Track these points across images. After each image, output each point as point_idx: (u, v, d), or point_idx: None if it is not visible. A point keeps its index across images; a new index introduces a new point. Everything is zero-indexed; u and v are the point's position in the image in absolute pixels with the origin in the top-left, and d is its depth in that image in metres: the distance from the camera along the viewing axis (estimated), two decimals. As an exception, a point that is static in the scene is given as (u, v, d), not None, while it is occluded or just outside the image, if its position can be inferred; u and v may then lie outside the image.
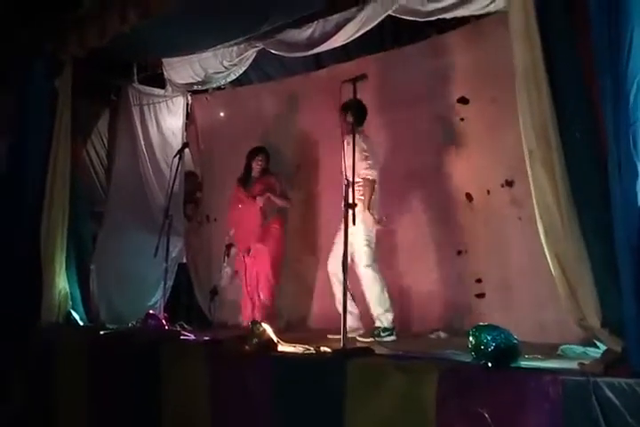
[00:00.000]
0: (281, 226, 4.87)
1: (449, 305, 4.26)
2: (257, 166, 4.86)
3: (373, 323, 3.93)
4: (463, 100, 4.34)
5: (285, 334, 3.57)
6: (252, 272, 4.71)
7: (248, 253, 4.71)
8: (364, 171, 3.91)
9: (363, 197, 3.89)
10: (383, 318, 3.89)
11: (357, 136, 3.81)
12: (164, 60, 5.32)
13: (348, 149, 3.63)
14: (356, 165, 3.80)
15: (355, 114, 3.81)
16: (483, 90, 4.20)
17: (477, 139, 4.29)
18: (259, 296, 4.68)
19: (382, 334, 3.84)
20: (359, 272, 3.95)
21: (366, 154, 3.94)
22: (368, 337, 3.83)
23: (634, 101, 2.28)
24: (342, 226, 3.44)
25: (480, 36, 4.24)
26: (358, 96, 3.37)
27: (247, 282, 4.71)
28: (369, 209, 3.92)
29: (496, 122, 4.08)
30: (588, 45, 2.54)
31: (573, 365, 2.47)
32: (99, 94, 5.55)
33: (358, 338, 3.84)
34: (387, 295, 3.92)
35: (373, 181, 3.97)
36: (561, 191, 2.59)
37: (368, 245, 3.95)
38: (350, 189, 3.21)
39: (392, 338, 3.84)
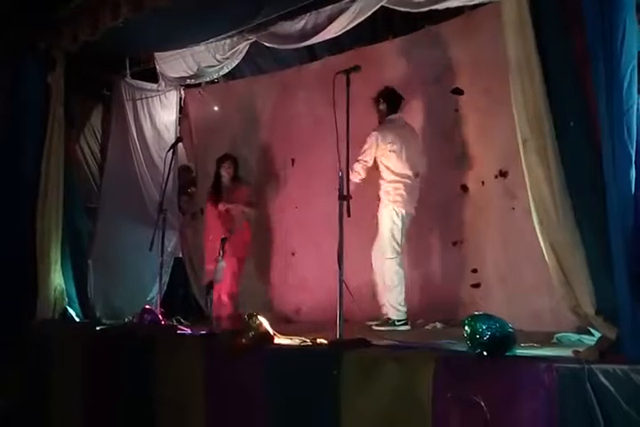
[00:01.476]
0: (249, 230, 5.03)
1: (445, 295, 4.27)
2: (226, 174, 5.00)
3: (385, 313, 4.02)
4: (457, 91, 4.34)
5: (280, 326, 3.58)
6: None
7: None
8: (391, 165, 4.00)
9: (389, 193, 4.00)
10: (399, 308, 3.95)
11: (380, 129, 3.98)
12: (157, 55, 5.29)
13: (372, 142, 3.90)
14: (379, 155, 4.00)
15: (386, 101, 4.00)
16: (477, 81, 4.19)
17: (471, 130, 4.29)
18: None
19: (397, 323, 3.90)
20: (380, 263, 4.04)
21: (391, 148, 4.01)
22: (383, 326, 3.89)
23: (627, 90, 2.29)
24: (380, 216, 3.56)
25: (474, 27, 4.23)
26: (352, 88, 3.35)
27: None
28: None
29: (490, 112, 4.08)
30: (581, 35, 2.54)
31: (568, 352, 2.49)
32: (91, 90, 5.53)
33: (374, 327, 3.89)
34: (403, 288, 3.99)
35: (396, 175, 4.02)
36: (555, 181, 2.59)
37: (392, 237, 3.97)
38: (345, 181, 3.19)
39: (407, 328, 3.92)
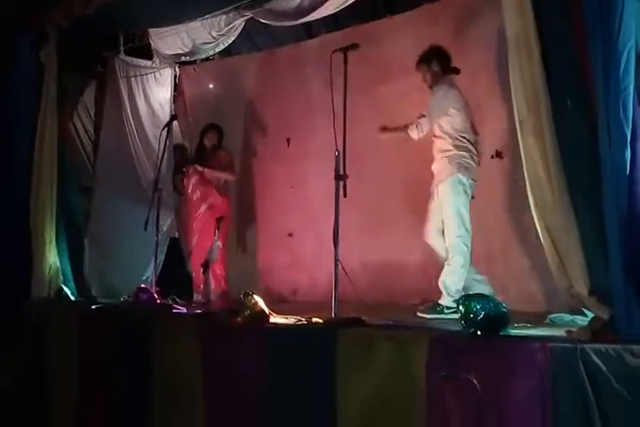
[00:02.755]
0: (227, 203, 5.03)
1: (439, 276, 4.29)
2: (208, 142, 4.97)
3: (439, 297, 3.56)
4: (454, 70, 4.29)
5: (277, 306, 3.59)
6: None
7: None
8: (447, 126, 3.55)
9: (448, 157, 3.54)
10: (454, 294, 3.45)
11: (445, 87, 3.56)
12: (151, 31, 5.21)
13: (437, 103, 3.52)
14: (441, 119, 3.53)
15: (440, 61, 3.65)
16: (473, 58, 4.15)
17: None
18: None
19: (446, 311, 3.44)
20: (447, 243, 3.58)
21: (453, 109, 3.56)
22: (429, 313, 3.47)
23: (624, 69, 2.27)
24: (436, 195, 3.37)
25: (473, 5, 4.17)
26: (349, 67, 3.31)
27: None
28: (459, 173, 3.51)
29: (487, 92, 4.05)
30: (579, 14, 2.51)
31: (561, 332, 2.51)
32: (85, 66, 5.46)
33: (419, 314, 3.49)
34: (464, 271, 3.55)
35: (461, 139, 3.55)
36: (551, 162, 2.59)
37: (458, 215, 3.53)
38: (341, 160, 3.17)
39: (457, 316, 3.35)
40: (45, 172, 4.71)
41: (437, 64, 3.73)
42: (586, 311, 2.67)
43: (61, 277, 4.74)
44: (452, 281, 3.53)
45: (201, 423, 3.14)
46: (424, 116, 3.79)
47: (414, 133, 3.82)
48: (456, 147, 3.58)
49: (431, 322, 2.95)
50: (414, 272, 4.38)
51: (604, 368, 2.04)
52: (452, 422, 2.27)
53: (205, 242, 4.68)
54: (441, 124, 3.63)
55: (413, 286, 4.30)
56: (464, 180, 3.54)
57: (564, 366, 2.08)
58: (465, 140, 3.60)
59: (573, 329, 2.49)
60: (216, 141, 5.00)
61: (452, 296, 3.45)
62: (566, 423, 2.05)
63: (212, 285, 4.62)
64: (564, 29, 2.62)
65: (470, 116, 3.70)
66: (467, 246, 3.55)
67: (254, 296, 3.25)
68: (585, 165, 2.52)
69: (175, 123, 5.07)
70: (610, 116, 2.29)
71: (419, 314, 3.51)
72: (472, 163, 3.59)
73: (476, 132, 3.72)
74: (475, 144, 3.65)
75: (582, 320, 2.72)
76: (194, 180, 4.99)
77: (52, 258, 4.74)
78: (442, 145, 3.63)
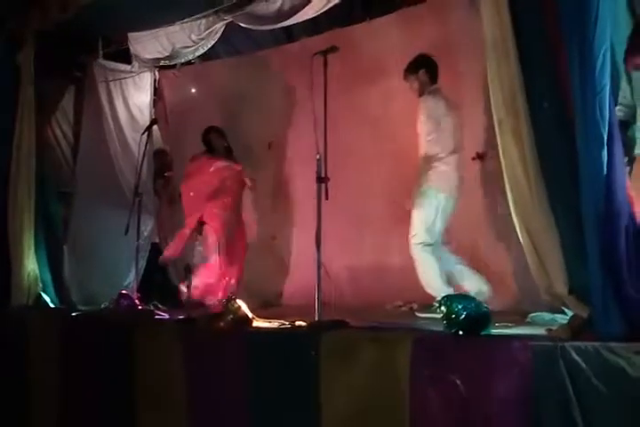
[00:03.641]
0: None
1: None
2: (218, 144, 4.85)
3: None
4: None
5: (262, 310, 3.58)
6: None
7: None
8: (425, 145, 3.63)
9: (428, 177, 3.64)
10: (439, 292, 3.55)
11: (430, 98, 3.60)
12: (130, 35, 5.15)
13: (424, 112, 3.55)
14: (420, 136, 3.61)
15: (429, 70, 3.68)
16: (453, 62, 4.19)
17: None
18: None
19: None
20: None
21: (429, 127, 3.61)
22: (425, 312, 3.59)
23: (600, 71, 2.30)
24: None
25: (450, 8, 4.21)
26: (329, 70, 3.32)
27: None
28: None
29: (466, 95, 4.09)
30: (555, 16, 2.54)
31: (542, 331, 2.54)
32: (63, 71, 5.37)
33: (417, 314, 3.67)
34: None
35: (429, 158, 3.64)
36: (529, 162, 2.61)
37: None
38: (322, 163, 3.17)
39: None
40: (23, 178, 4.65)
41: (425, 73, 3.78)
42: (566, 310, 2.70)
43: (40, 285, 4.67)
44: (427, 280, 3.66)
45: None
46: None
47: None
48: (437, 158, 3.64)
49: (415, 323, 2.97)
50: (401, 272, 4.40)
51: (583, 365, 2.07)
52: (435, 422, 2.28)
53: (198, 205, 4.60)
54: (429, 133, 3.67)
55: (396, 288, 4.32)
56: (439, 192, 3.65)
57: (545, 364, 2.11)
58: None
59: (554, 328, 2.52)
60: (226, 144, 4.89)
61: (439, 294, 3.48)
62: (548, 419, 2.08)
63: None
64: (539, 30, 2.66)
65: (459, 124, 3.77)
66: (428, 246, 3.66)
67: (237, 301, 3.24)
68: (563, 165, 2.55)
69: (155, 127, 5.03)
70: (587, 117, 2.31)
71: (417, 314, 3.64)
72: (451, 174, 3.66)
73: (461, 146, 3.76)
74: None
75: (562, 319, 2.75)
76: (225, 173, 4.80)
77: (31, 265, 4.67)
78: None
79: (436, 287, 3.61)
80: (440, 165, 3.65)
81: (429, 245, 3.67)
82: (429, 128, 3.65)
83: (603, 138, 2.29)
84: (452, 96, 4.17)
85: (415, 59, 3.82)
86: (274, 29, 4.68)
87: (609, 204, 2.30)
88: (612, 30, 2.41)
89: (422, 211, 3.68)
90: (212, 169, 4.80)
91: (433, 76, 3.80)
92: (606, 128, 2.30)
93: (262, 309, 4.05)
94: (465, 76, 4.07)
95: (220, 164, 4.81)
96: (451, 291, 3.49)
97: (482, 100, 3.79)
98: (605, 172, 2.30)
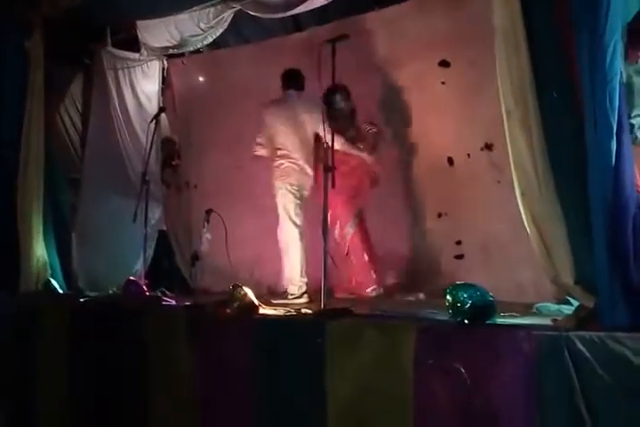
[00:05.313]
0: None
1: (428, 266, 4.32)
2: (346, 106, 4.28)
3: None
4: (444, 64, 4.31)
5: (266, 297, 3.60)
6: None
7: None
8: None
9: None
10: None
11: None
12: (139, 23, 5.14)
13: None
14: None
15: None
16: (464, 52, 4.17)
17: (458, 102, 4.28)
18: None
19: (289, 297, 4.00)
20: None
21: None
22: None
23: (610, 60, 2.29)
24: None
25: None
26: (338, 58, 3.31)
27: None
28: None
29: (476, 85, 4.07)
30: (566, 6, 2.52)
31: (547, 321, 2.54)
32: (72, 58, 5.38)
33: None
34: None
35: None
36: (537, 152, 2.61)
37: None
38: (330, 152, 3.18)
39: None
40: (32, 164, 4.67)
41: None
42: (571, 300, 2.70)
43: (49, 270, 4.71)
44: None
45: (195, 414, 3.15)
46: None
47: None
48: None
49: (419, 312, 2.98)
50: (408, 261, 4.43)
51: (588, 355, 2.07)
52: (440, 410, 2.30)
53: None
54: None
55: (402, 276, 4.34)
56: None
57: (550, 354, 2.12)
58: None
59: (559, 318, 2.53)
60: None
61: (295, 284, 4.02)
62: (552, 409, 2.09)
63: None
64: (550, 20, 2.65)
65: None
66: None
67: (243, 288, 3.26)
68: (571, 155, 2.55)
69: (163, 115, 5.03)
70: (596, 107, 2.30)
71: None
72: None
73: None
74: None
75: (568, 309, 2.76)
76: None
77: (40, 251, 4.70)
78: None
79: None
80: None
81: None
82: None
83: (612, 128, 2.28)
84: (464, 86, 4.17)
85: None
86: (283, 18, 4.67)
87: (617, 194, 2.30)
88: (623, 20, 2.39)
89: None
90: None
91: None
92: (615, 118, 2.29)
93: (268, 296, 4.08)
94: (476, 65, 4.04)
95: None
96: None
97: (492, 90, 3.78)
98: (614, 162, 2.30)
